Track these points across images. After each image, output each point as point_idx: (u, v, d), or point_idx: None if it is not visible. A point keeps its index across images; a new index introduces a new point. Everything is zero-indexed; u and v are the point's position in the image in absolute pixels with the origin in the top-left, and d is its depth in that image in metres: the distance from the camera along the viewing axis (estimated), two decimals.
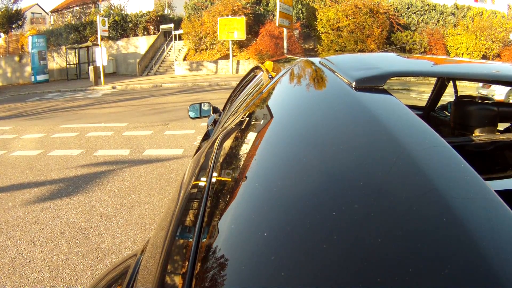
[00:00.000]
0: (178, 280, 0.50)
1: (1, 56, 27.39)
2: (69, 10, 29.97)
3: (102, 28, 18.14)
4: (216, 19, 18.41)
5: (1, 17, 28.12)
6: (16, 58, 25.93)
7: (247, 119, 1.02)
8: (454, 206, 0.41)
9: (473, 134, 1.72)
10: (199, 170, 0.95)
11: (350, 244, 0.39)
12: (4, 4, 27.93)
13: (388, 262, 0.36)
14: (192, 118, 2.99)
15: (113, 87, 16.68)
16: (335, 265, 0.37)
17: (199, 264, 0.46)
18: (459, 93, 2.22)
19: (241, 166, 0.72)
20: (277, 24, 15.54)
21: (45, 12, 33.78)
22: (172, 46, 21.67)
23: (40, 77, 22.67)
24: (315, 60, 1.18)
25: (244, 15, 18.51)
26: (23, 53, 25.23)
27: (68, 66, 23.28)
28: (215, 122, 2.54)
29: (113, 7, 24.50)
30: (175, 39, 21.51)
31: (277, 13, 15.04)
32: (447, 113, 2.49)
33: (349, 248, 0.39)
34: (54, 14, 31.24)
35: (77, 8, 28.78)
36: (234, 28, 17.95)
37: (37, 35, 24.00)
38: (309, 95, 0.93)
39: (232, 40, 18.38)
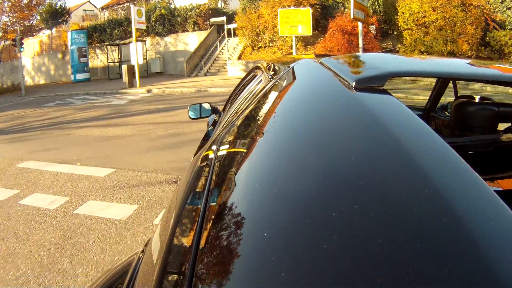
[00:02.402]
0: (178, 280, 0.53)
1: (45, 53, 28.67)
2: (120, 6, 30.69)
3: (137, 20, 17.48)
4: (276, 11, 17.30)
5: (44, 12, 29.27)
6: (59, 55, 26.97)
7: (247, 119, 1.10)
8: (454, 206, 0.44)
9: (473, 134, 1.96)
10: (199, 170, 1.01)
11: (350, 244, 0.43)
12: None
13: (388, 262, 0.39)
14: (192, 118, 3.18)
15: (148, 91, 16.23)
16: (335, 265, 0.40)
17: (199, 264, 0.50)
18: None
19: (241, 166, 0.78)
20: (351, 16, 13.89)
21: (97, 9, 34.92)
22: (225, 43, 21.10)
23: (80, 76, 23.14)
24: (315, 60, 1.28)
25: (309, 6, 17.17)
26: (66, 50, 25.94)
27: (110, 64, 23.75)
28: (215, 123, 2.72)
29: (160, 1, 24.35)
30: (230, 35, 21.03)
31: (352, 2, 13.48)
32: (447, 113, 2.70)
33: (349, 248, 0.42)
34: (104, 10, 32.08)
35: (127, 4, 29.21)
36: (298, 21, 16.47)
37: (76, 30, 24.68)
38: (309, 95, 0.99)
39: (295, 36, 16.92)
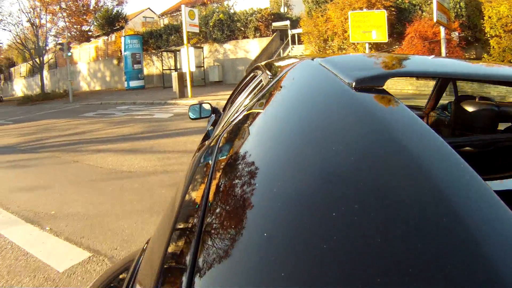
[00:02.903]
0: (178, 280, 0.54)
1: (100, 58, 28.96)
2: (179, 12, 30.53)
3: (189, 22, 16.00)
4: (346, 14, 15.69)
5: (100, 18, 29.60)
6: (115, 61, 27.11)
7: (247, 119, 1.11)
8: (454, 206, 0.46)
9: (473, 134, 2.03)
10: (199, 170, 1.02)
11: (350, 245, 0.44)
12: (106, 5, 29.45)
13: (388, 262, 0.40)
14: (192, 119, 3.29)
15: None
16: (335, 265, 0.42)
17: (199, 264, 0.51)
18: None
19: (241, 166, 0.79)
20: (434, 19, 12.02)
21: (157, 15, 35.23)
22: (289, 51, 19.96)
23: (133, 83, 22.88)
24: (315, 60, 1.26)
25: (384, 8, 15.42)
26: (121, 56, 26.01)
27: (165, 71, 23.40)
28: (215, 123, 2.83)
29: (219, 5, 23.68)
30: (293, 43, 19.94)
31: (434, 3, 11.59)
32: (447, 113, 2.76)
33: (349, 248, 0.43)
34: (164, 17, 32.15)
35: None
36: (372, 25, 14.89)
37: (130, 35, 24.49)
38: (309, 95, 1.00)
39: (368, 43, 15.32)
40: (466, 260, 0.38)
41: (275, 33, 20.82)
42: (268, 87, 1.29)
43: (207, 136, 2.66)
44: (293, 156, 0.71)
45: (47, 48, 31.70)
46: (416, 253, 0.40)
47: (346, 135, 0.71)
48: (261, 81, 1.61)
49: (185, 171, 1.14)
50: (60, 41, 24.79)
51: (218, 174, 0.82)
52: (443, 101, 2.90)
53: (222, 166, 0.87)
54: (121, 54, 25.93)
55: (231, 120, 1.35)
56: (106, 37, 29.28)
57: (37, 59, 29.57)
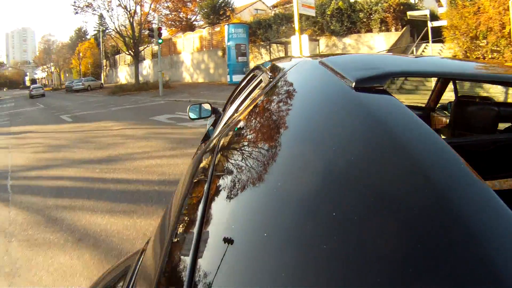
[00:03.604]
0: (178, 280, 0.55)
1: (205, 49, 28.30)
2: (291, 4, 28.90)
3: (301, 1, 13.14)
4: (506, 3, 12.64)
5: (206, 6, 28.81)
6: (219, 53, 26.14)
7: (247, 119, 1.14)
8: (454, 206, 0.46)
9: (473, 134, 2.08)
10: (199, 171, 1.05)
11: (350, 245, 0.45)
12: None
13: (388, 262, 0.41)
14: (192, 119, 3.33)
15: None
16: (335, 266, 0.43)
17: (199, 264, 0.53)
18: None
19: (241, 166, 0.81)
20: None
21: (268, 7, 34.10)
22: (423, 50, 16.96)
23: (236, 78, 21.33)
24: (315, 60, 1.28)
25: None
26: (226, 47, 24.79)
27: None
28: (215, 123, 2.86)
29: None
30: (424, 38, 16.65)
31: None
32: (447, 113, 2.83)
33: (349, 248, 0.44)
34: (276, 9, 30.79)
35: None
36: None
37: (235, 24, 23.00)
38: (309, 95, 1.02)
39: None
40: (466, 260, 0.39)
41: (404, 27, 17.99)
42: (268, 87, 1.30)
43: (207, 136, 2.71)
44: (293, 156, 0.72)
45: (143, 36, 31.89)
46: (416, 253, 0.41)
47: (346, 135, 0.72)
48: (261, 81, 1.63)
49: (186, 171, 1.21)
50: (154, 27, 24.16)
51: (218, 174, 0.84)
52: (443, 101, 2.98)
53: (222, 166, 0.89)
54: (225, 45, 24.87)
55: (231, 120, 1.39)
56: (210, 26, 28.45)
57: (133, 49, 29.87)
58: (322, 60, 1.20)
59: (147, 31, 25.71)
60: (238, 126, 1.15)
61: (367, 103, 0.82)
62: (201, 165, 1.09)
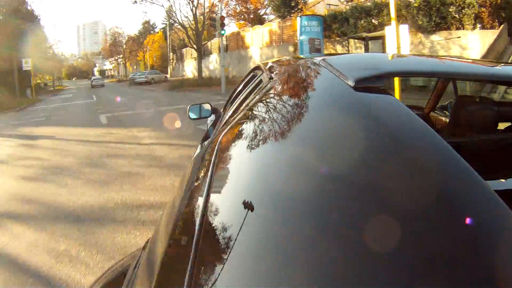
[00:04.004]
0: (178, 278, 0.56)
1: (274, 44, 27.44)
2: None
3: None
4: None
5: None
6: (290, 48, 25.14)
7: (247, 119, 1.16)
8: (454, 206, 0.47)
9: (473, 134, 2.07)
10: (199, 170, 1.07)
11: (350, 245, 0.46)
12: None
13: (387, 263, 0.41)
14: (192, 119, 3.45)
15: None
16: (334, 266, 0.43)
17: (199, 263, 0.54)
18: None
19: (241, 166, 0.83)
20: None
21: (341, 2, 32.77)
22: None
23: None
24: (315, 60, 1.30)
25: None
26: (298, 42, 23.80)
27: None
28: (215, 123, 2.93)
29: None
30: None
31: None
32: (447, 113, 2.90)
33: (348, 248, 0.45)
34: (350, 3, 29.37)
35: None
36: None
37: (308, 16, 21.40)
38: (309, 95, 1.03)
39: None
40: (466, 261, 0.39)
41: (502, 25, 15.65)
42: (268, 87, 1.32)
43: (207, 136, 2.74)
44: (293, 156, 0.73)
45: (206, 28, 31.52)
46: (416, 253, 0.42)
47: (346, 134, 0.73)
48: (261, 81, 1.65)
49: (186, 171, 1.22)
50: (217, 17, 23.51)
51: (218, 174, 0.84)
52: (443, 101, 3.04)
53: (222, 166, 0.90)
54: (297, 39, 23.87)
55: (231, 120, 1.39)
56: (280, 20, 27.58)
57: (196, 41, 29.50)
58: (322, 60, 1.22)
59: (210, 21, 24.91)
60: (238, 126, 1.16)
61: (367, 103, 0.83)
62: (201, 165, 1.11)
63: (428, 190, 0.51)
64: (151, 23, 68.28)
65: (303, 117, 0.89)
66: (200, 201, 0.75)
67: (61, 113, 18.81)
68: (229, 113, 1.91)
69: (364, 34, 18.76)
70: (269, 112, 1.07)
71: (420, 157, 0.59)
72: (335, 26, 22.03)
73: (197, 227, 0.63)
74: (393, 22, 9.97)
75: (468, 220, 0.44)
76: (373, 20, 19.84)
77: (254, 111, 1.17)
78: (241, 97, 1.96)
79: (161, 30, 60.51)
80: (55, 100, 30.63)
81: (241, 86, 2.55)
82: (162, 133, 10.01)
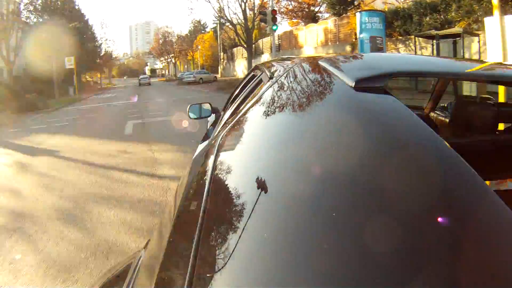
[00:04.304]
0: (178, 278, 0.57)
1: (330, 43, 26.23)
2: None
3: None
4: None
5: None
6: (347, 48, 23.70)
7: (247, 119, 1.18)
8: (454, 206, 0.48)
9: (473, 134, 2.12)
10: (198, 171, 1.09)
11: (350, 245, 0.46)
12: None
13: (387, 263, 0.42)
14: (192, 119, 3.44)
15: None
16: (334, 266, 0.44)
17: (200, 262, 0.55)
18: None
19: (240, 166, 0.84)
20: None
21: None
22: None
23: None
24: (315, 60, 1.35)
25: None
26: (356, 43, 22.44)
27: None
28: (215, 123, 2.95)
29: None
30: None
31: None
32: (447, 113, 2.87)
33: (348, 248, 0.46)
34: (410, 1, 27.78)
35: None
36: None
37: (369, 11, 19.64)
38: (309, 95, 1.03)
39: None
40: (466, 261, 0.40)
41: None
42: (268, 87, 1.33)
43: (207, 136, 2.71)
44: (293, 156, 0.74)
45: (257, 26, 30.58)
46: (416, 253, 0.42)
47: (346, 134, 0.73)
48: (261, 80, 1.67)
49: (186, 171, 1.25)
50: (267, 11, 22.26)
51: (218, 174, 0.86)
52: (443, 101, 3.06)
53: (222, 166, 0.91)
54: (355, 38, 22.45)
55: (231, 120, 1.40)
56: (338, 18, 26.36)
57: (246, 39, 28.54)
58: (322, 60, 1.25)
59: (259, 15, 23.81)
60: (238, 126, 1.19)
61: (367, 103, 0.83)
62: (201, 165, 1.13)
63: (428, 190, 0.51)
64: (201, 23, 68.74)
65: (303, 117, 0.90)
66: (200, 201, 0.75)
67: (90, 116, 17.80)
68: (229, 113, 1.93)
69: (434, 32, 16.81)
70: (269, 112, 1.09)
71: (420, 157, 0.60)
72: (397, 23, 20.47)
73: (197, 226, 0.63)
74: (496, 12, 7.85)
75: (468, 220, 0.45)
76: (444, 16, 18.23)
77: (253, 111, 1.19)
78: (241, 97, 1.97)
79: (212, 29, 60.66)
80: (95, 99, 30.36)
81: (241, 86, 2.55)
82: (186, 155, 7.00)
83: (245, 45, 30.15)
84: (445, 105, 2.97)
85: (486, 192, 0.49)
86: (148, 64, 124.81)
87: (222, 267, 0.51)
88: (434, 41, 16.55)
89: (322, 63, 1.19)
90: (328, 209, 0.53)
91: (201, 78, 41.45)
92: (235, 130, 1.17)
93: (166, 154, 7.87)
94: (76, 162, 7.87)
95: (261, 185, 0.67)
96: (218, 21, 47.88)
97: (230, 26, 32.54)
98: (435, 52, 16.66)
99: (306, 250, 0.47)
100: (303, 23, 33.17)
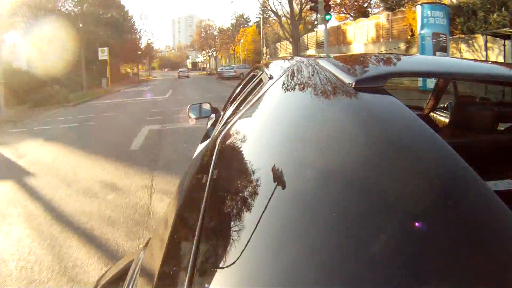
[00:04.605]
0: (179, 277, 0.58)
1: (382, 40, 24.46)
2: None
3: None
4: None
5: None
6: (401, 46, 21.85)
7: (247, 119, 1.20)
8: (454, 206, 0.48)
9: (473, 134, 2.13)
10: (199, 170, 1.10)
11: (349, 245, 0.46)
12: None
13: (387, 263, 0.42)
14: (192, 118, 3.53)
15: None
16: (334, 265, 0.44)
17: (200, 262, 0.55)
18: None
19: (240, 166, 0.84)
20: None
21: None
22: None
23: (432, 82, 16.38)
24: (315, 60, 1.34)
25: None
26: (411, 40, 20.71)
27: None
28: (215, 123, 2.97)
29: None
30: None
31: None
32: (447, 113, 2.92)
33: (348, 248, 0.46)
34: None
35: None
36: None
37: (431, 4, 17.45)
38: (309, 95, 1.03)
39: None
40: (466, 261, 0.40)
41: None
42: (268, 87, 1.32)
43: (207, 136, 2.74)
44: (292, 155, 0.74)
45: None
46: (416, 253, 0.42)
47: (346, 134, 0.73)
48: (261, 80, 1.66)
49: (186, 171, 1.25)
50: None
51: (218, 174, 0.86)
52: (443, 101, 3.07)
53: (221, 166, 0.91)
54: (413, 34, 20.60)
55: (231, 120, 1.40)
56: (391, 12, 24.61)
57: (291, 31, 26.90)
58: (322, 60, 1.25)
59: (309, 2, 21.65)
60: (238, 126, 1.18)
61: (367, 103, 0.83)
62: (201, 165, 1.15)
63: (428, 190, 0.51)
64: (244, 17, 68.05)
65: (303, 117, 0.90)
66: (200, 201, 0.75)
67: (105, 116, 15.48)
68: (229, 113, 1.94)
69: (509, 30, 14.47)
70: (269, 112, 1.10)
71: (420, 157, 0.60)
72: (459, 20, 18.60)
73: (197, 226, 0.64)
74: None
75: (468, 220, 0.45)
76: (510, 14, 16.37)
77: (253, 111, 1.20)
78: (241, 97, 1.97)
79: (255, 24, 59.80)
80: (125, 93, 29.07)
81: (241, 86, 2.56)
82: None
83: (290, 39, 28.37)
84: (445, 105, 2.99)
85: (486, 192, 0.49)
86: (190, 57, 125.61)
87: (222, 267, 0.51)
88: (507, 41, 14.63)
89: (323, 63, 1.21)
90: (328, 208, 0.53)
91: (242, 73, 40.13)
92: (235, 130, 1.17)
93: (168, 201, 4.19)
94: (36, 203, 5.30)
95: (261, 185, 0.68)
96: (261, 14, 46.81)
97: (275, 18, 30.59)
98: (507, 53, 14.80)
99: (307, 250, 0.47)
100: (351, 18, 31.54)
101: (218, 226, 0.66)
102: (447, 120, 2.74)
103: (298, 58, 1.57)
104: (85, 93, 27.59)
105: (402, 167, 0.58)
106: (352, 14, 31.87)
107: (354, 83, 0.89)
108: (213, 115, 3.31)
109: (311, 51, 32.86)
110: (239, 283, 0.47)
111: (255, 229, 0.55)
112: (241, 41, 57.70)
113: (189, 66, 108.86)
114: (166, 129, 10.77)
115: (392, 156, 0.61)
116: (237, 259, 0.50)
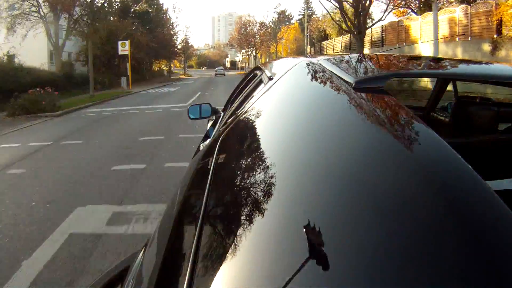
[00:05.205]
0: (178, 280, 0.58)
1: (457, 39, 19.95)
2: None
3: None
4: None
5: None
6: (485, 47, 17.39)
7: (247, 119, 1.20)
8: (454, 206, 0.49)
9: (473, 134, 2.11)
10: (198, 171, 1.09)
11: (349, 245, 0.47)
12: None
13: (387, 263, 0.43)
14: (192, 119, 3.49)
15: None
16: (334, 265, 0.44)
17: (199, 264, 0.56)
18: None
19: (240, 166, 0.85)
20: None
21: None
22: None
23: None
24: (315, 60, 1.33)
25: None
26: (499, 40, 16.39)
27: None
28: (215, 123, 2.97)
29: None
30: None
31: None
32: (447, 113, 2.88)
33: (347, 248, 0.46)
34: None
35: None
36: None
37: None
38: (309, 96, 1.05)
39: None
40: (466, 261, 0.40)
41: None
42: (268, 87, 1.33)
43: (207, 136, 2.77)
44: (292, 156, 0.74)
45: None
46: (416, 253, 0.42)
47: (346, 135, 0.74)
48: (261, 81, 1.68)
49: (186, 172, 1.24)
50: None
51: (217, 174, 0.86)
52: (443, 101, 3.03)
53: (221, 166, 0.92)
54: (499, 34, 16.50)
55: (231, 120, 1.42)
56: (471, 5, 20.22)
57: (355, 24, 22.54)
58: (322, 60, 1.26)
59: None
60: (238, 126, 1.20)
61: (367, 103, 0.83)
62: (201, 165, 1.14)
63: (428, 190, 0.52)
64: (286, 13, 64.65)
65: (303, 117, 0.91)
66: (200, 201, 0.76)
67: (59, 148, 9.13)
68: (229, 113, 1.94)
69: None
70: (269, 112, 1.11)
71: (420, 157, 0.60)
72: None
73: (197, 226, 0.65)
74: None
75: (468, 220, 0.45)
76: None
77: (253, 111, 1.20)
78: (241, 97, 1.99)
79: (297, 21, 56.34)
80: (140, 96, 24.18)
81: (241, 87, 2.61)
82: None
83: (354, 32, 23.74)
84: (445, 105, 2.99)
85: (486, 192, 0.49)
86: (229, 55, 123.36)
87: (222, 267, 0.52)
88: None
89: (323, 63, 1.21)
90: (328, 208, 0.54)
91: None
92: (235, 131, 1.18)
93: None
94: None
95: (261, 185, 0.68)
96: (304, 12, 43.06)
97: (336, 7, 25.64)
98: None
99: (307, 250, 0.47)
100: (412, 13, 27.24)
101: (218, 226, 0.66)
102: (447, 120, 2.73)
103: (298, 59, 1.58)
104: (88, 97, 22.43)
105: (402, 167, 0.58)
106: (413, 8, 27.48)
107: (354, 83, 0.90)
108: (213, 116, 3.32)
109: (365, 50, 28.63)
110: (240, 283, 0.48)
111: (255, 229, 0.56)
112: (283, 39, 54.26)
113: (228, 65, 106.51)
114: (176, 144, 7.38)
115: (392, 156, 0.61)
116: (237, 259, 0.51)
